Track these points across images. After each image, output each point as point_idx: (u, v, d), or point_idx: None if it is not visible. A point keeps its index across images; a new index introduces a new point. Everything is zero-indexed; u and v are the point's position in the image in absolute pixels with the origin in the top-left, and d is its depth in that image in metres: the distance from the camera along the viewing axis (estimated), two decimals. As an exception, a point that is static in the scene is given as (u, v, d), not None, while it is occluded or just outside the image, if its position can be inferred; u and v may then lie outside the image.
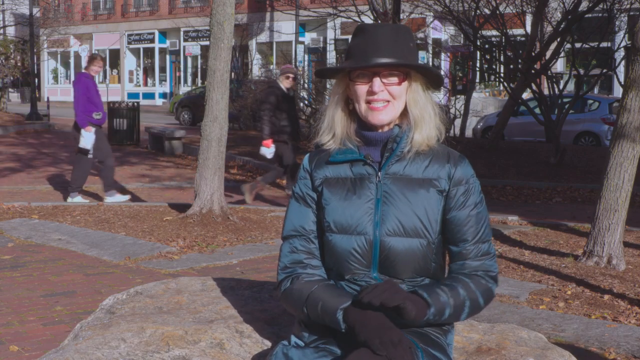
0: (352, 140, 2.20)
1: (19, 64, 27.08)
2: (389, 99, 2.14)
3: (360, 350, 1.92)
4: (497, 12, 15.84)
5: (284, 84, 9.79)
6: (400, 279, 2.15)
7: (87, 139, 9.57)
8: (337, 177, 2.20)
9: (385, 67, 2.13)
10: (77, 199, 9.66)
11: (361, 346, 1.94)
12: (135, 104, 18.46)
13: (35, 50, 27.50)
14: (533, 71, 15.44)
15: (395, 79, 2.14)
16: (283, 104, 9.68)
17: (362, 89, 2.15)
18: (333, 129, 2.22)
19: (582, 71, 15.64)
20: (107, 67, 44.16)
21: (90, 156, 9.72)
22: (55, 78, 46.53)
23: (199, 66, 39.60)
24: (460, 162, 2.19)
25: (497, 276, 2.21)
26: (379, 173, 2.17)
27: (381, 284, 2.00)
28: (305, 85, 18.74)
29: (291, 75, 9.88)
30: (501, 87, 24.78)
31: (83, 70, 9.92)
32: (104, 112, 9.90)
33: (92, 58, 9.87)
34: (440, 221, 2.16)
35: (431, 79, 2.21)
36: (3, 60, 25.18)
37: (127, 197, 10.01)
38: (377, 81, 2.13)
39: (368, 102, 2.15)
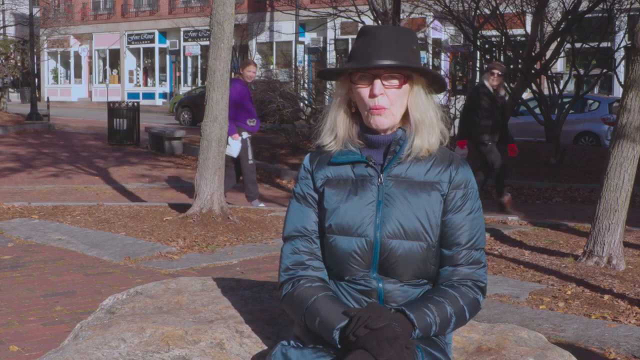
0: (354, 143, 2.20)
1: (19, 64, 27.07)
2: (387, 106, 2.13)
3: (359, 352, 1.92)
4: (497, 12, 15.83)
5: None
6: (400, 281, 2.15)
7: (233, 146, 9.41)
8: (338, 178, 2.20)
9: (386, 69, 2.12)
10: (260, 205, 9.56)
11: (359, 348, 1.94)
12: (135, 104, 18.46)
13: (35, 50, 27.48)
14: (533, 71, 15.43)
15: (395, 82, 2.14)
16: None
17: (363, 91, 2.14)
18: (335, 130, 2.22)
19: (582, 71, 15.63)
20: (107, 67, 44.20)
21: (250, 162, 9.59)
22: (55, 78, 46.52)
23: (199, 66, 39.59)
24: (461, 166, 2.20)
25: (486, 288, 2.21)
26: (381, 175, 2.16)
27: (365, 309, 1.99)
28: (305, 85, 18.74)
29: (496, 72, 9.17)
30: (501, 87, 24.72)
31: (236, 76, 9.65)
32: (258, 120, 9.70)
33: (245, 63, 9.62)
34: (440, 224, 2.16)
35: (434, 82, 2.20)
36: (3, 60, 25.17)
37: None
38: (377, 83, 2.12)
39: (369, 106, 2.14)
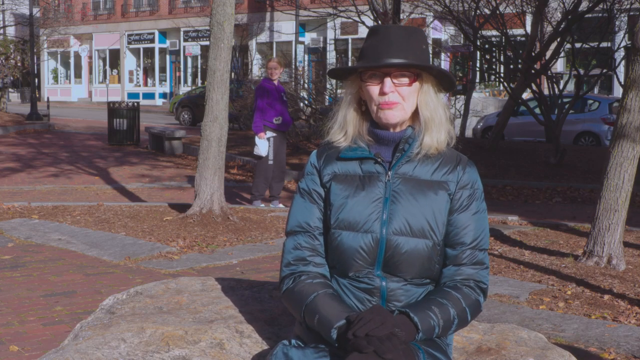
0: (364, 139, 2.22)
1: (19, 64, 27.07)
2: (398, 101, 2.15)
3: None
4: (497, 12, 15.84)
5: None
6: (404, 279, 2.15)
7: (260, 146, 9.46)
8: (345, 173, 2.21)
9: (396, 68, 2.14)
10: (261, 205, 9.53)
11: None
12: (135, 104, 18.47)
13: (35, 50, 27.48)
14: (533, 71, 15.43)
15: (406, 80, 2.16)
16: None
17: (373, 89, 2.16)
18: (345, 128, 2.24)
19: (582, 71, 15.64)
20: (107, 67, 44.20)
21: (270, 162, 9.58)
22: (55, 78, 46.52)
23: (199, 66, 39.60)
24: (468, 166, 2.22)
25: (487, 290, 2.21)
26: (389, 172, 2.18)
27: (368, 312, 1.98)
28: (305, 85, 18.74)
29: None
30: (501, 87, 24.78)
31: (264, 76, 9.75)
32: (286, 118, 9.64)
33: (267, 61, 9.68)
34: (446, 224, 2.17)
35: (443, 81, 2.22)
36: (3, 60, 25.17)
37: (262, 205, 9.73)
38: (387, 81, 2.14)
39: (379, 102, 2.16)
